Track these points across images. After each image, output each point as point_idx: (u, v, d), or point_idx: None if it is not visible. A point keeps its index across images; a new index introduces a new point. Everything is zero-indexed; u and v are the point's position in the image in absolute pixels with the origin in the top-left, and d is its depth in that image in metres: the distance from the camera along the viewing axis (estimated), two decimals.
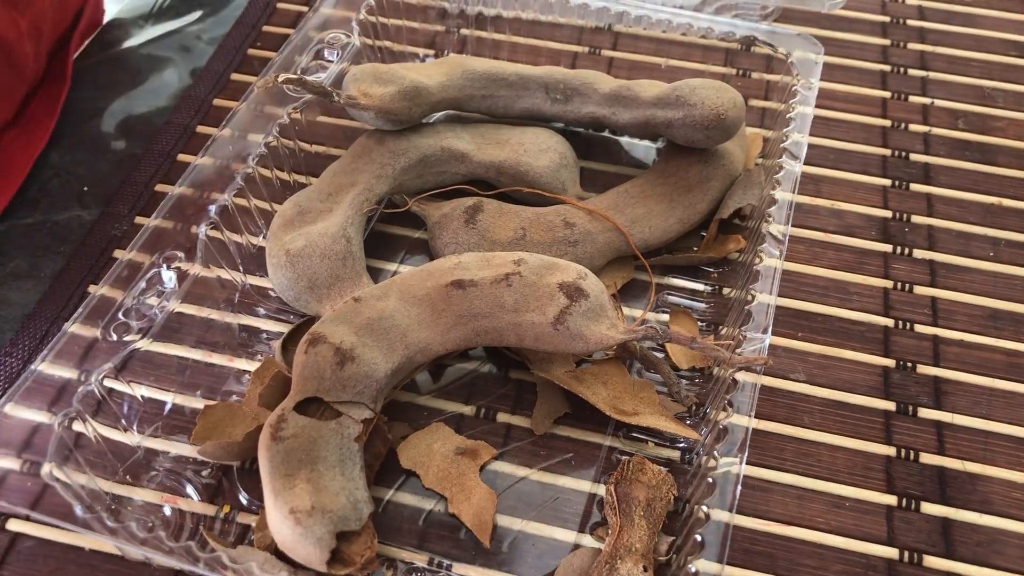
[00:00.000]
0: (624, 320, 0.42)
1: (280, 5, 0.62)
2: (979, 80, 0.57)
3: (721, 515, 0.33)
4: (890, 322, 0.46)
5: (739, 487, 0.34)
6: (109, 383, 0.38)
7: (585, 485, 0.39)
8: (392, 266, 0.47)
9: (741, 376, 0.37)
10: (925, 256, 0.48)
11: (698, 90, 0.44)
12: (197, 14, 0.61)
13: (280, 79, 0.42)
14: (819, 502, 0.39)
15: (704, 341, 0.37)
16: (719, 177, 0.47)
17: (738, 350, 0.38)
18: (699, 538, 0.33)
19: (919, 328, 0.45)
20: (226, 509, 0.38)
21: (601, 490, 0.39)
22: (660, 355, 0.43)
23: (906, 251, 0.48)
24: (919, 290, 0.47)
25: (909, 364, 0.44)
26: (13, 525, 0.38)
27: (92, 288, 0.46)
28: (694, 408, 0.41)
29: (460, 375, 0.43)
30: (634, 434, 0.41)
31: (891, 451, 0.41)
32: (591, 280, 0.39)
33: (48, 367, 0.38)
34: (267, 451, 0.34)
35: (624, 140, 0.53)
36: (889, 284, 0.47)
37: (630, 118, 0.47)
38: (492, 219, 0.44)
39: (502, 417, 0.41)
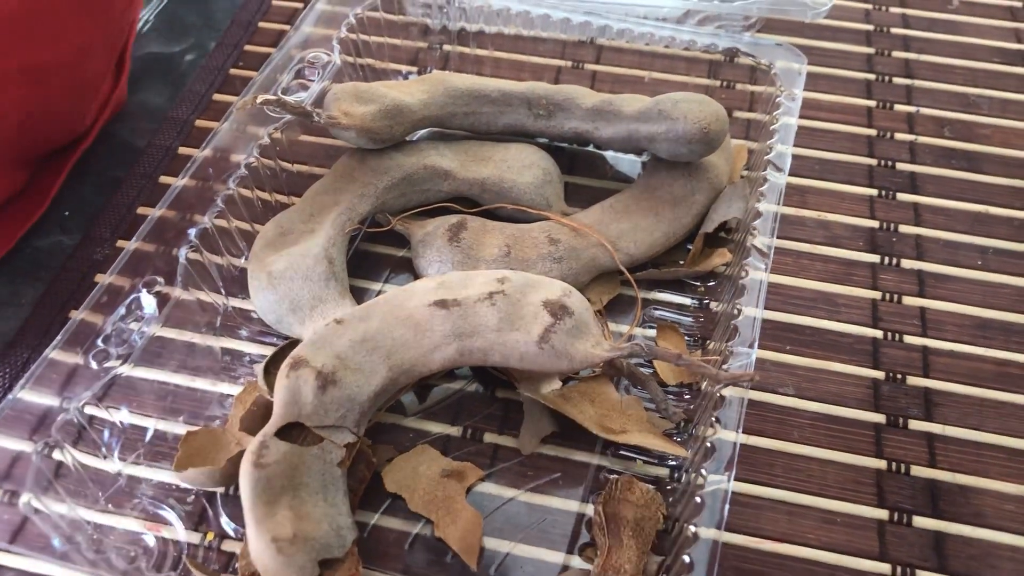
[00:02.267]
0: (611, 337, 0.42)
1: (262, 24, 0.61)
2: (964, 88, 0.57)
3: (709, 533, 0.33)
4: (879, 333, 0.45)
5: (727, 505, 0.34)
6: (90, 410, 0.38)
7: (573, 505, 0.39)
8: (376, 285, 0.47)
9: (728, 392, 0.37)
10: (913, 266, 0.48)
11: (680, 104, 0.44)
12: (182, 42, 0.61)
13: (259, 100, 0.42)
14: (810, 518, 0.39)
15: (690, 357, 0.36)
16: (704, 191, 0.46)
17: (725, 365, 0.38)
18: (687, 559, 0.32)
19: (908, 339, 0.45)
20: (210, 537, 0.38)
21: (589, 510, 0.38)
22: (648, 371, 0.43)
23: (894, 261, 0.48)
24: (908, 300, 0.47)
25: (899, 376, 0.44)
26: None
27: (73, 314, 0.46)
28: (682, 425, 0.41)
29: (446, 395, 0.42)
30: (622, 452, 0.40)
31: (882, 464, 0.41)
32: (575, 297, 0.38)
33: (28, 395, 0.37)
34: (248, 478, 0.33)
35: (609, 154, 0.53)
36: (877, 295, 0.47)
37: (613, 133, 0.47)
38: (476, 236, 0.44)
39: (489, 438, 0.41)
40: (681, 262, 0.46)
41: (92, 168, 0.53)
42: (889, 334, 0.45)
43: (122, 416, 0.40)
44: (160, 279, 0.41)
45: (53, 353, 0.38)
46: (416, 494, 0.38)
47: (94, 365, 0.38)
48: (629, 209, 0.46)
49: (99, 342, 0.38)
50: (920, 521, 0.39)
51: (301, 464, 0.34)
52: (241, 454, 0.36)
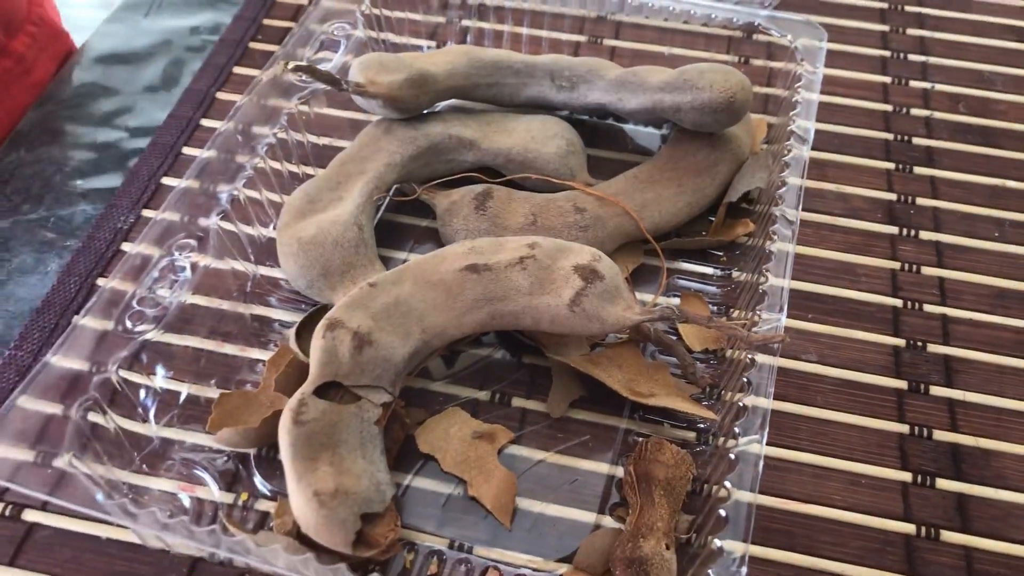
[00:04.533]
0: (638, 303, 0.42)
1: None
2: (978, 64, 0.58)
3: (744, 494, 0.33)
4: (899, 302, 0.46)
5: (761, 464, 0.34)
6: (124, 373, 0.38)
7: (603, 467, 0.39)
8: (402, 255, 0.47)
9: (758, 357, 0.37)
10: (931, 237, 0.49)
11: (706, 74, 0.44)
12: (199, 15, 0.61)
13: (291, 67, 0.42)
14: (836, 480, 0.39)
15: (720, 320, 0.37)
16: (727, 161, 0.47)
17: (754, 329, 0.38)
18: (723, 513, 0.33)
19: (928, 308, 0.46)
20: (244, 497, 0.38)
21: (619, 471, 0.39)
22: (674, 338, 0.43)
23: (912, 233, 0.49)
24: (926, 270, 0.47)
25: (919, 343, 0.44)
26: (29, 515, 0.38)
27: (101, 281, 0.46)
28: (708, 390, 0.41)
29: (473, 361, 0.43)
30: (649, 416, 0.41)
31: (904, 429, 0.41)
32: (605, 262, 0.39)
33: (61, 359, 0.37)
34: (288, 435, 0.33)
35: (628, 127, 0.53)
36: (897, 265, 0.47)
37: (637, 104, 0.47)
38: (502, 205, 0.44)
39: (517, 402, 0.41)
40: (704, 232, 0.47)
41: (112, 138, 0.54)
42: (909, 303, 0.46)
43: (157, 380, 0.40)
44: (193, 243, 0.41)
45: (85, 318, 0.38)
46: (448, 455, 0.38)
47: (129, 326, 0.38)
48: (653, 179, 0.46)
49: (134, 305, 0.39)
50: (943, 483, 0.39)
51: (340, 422, 0.34)
52: (275, 414, 0.36)
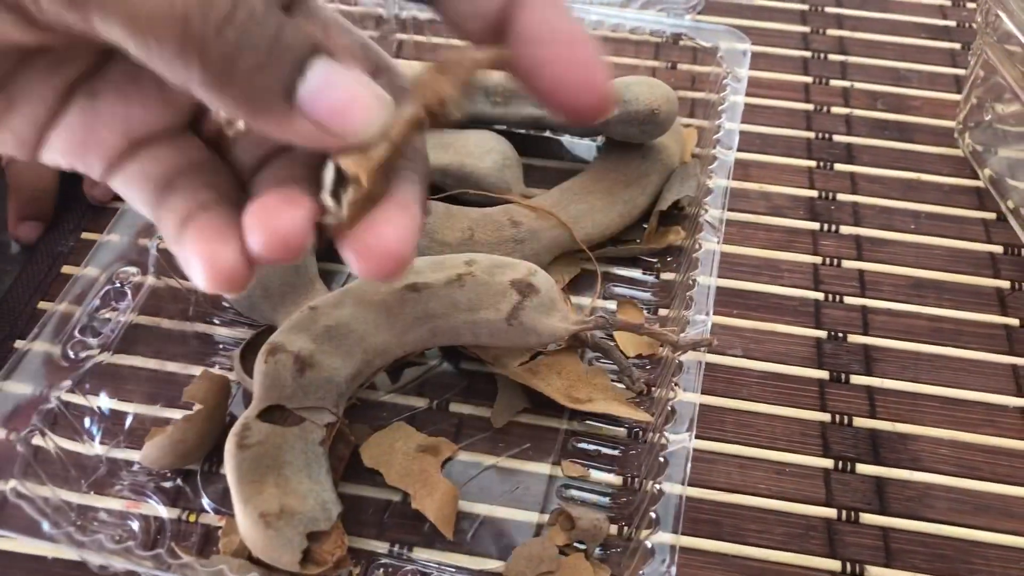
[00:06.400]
0: (575, 312, 0.44)
1: None
2: (895, 62, 0.61)
3: (675, 489, 0.35)
4: (820, 295, 0.48)
5: (689, 463, 0.36)
6: (70, 397, 0.39)
7: (544, 468, 0.41)
8: (345, 268, 0.48)
9: (686, 358, 0.39)
10: (851, 232, 0.51)
11: (632, 87, 0.46)
12: None
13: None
14: (760, 469, 0.42)
15: (651, 327, 0.39)
16: (657, 171, 0.49)
17: (683, 333, 0.40)
18: (654, 515, 0.34)
19: (848, 300, 0.48)
20: (192, 518, 0.39)
21: (559, 472, 0.41)
22: (610, 343, 0.45)
23: (833, 228, 0.51)
24: (847, 264, 0.50)
25: (840, 334, 0.47)
26: None
27: (43, 304, 0.46)
28: (644, 391, 0.43)
29: (417, 375, 0.44)
30: (588, 420, 0.43)
31: (826, 417, 0.44)
32: (541, 276, 0.40)
33: (6, 385, 0.38)
34: (233, 459, 0.35)
35: (565, 138, 0.55)
36: (818, 260, 0.50)
37: None
38: (440, 221, 0.46)
39: (460, 409, 0.43)
40: (638, 240, 0.49)
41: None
42: (830, 296, 0.48)
43: (101, 403, 0.41)
44: (134, 269, 0.42)
45: (30, 344, 0.39)
46: (393, 469, 0.40)
47: (72, 355, 0.39)
48: (586, 190, 0.48)
49: (79, 327, 0.39)
50: (863, 468, 0.42)
51: (284, 444, 0.35)
52: (188, 427, 0.38)
